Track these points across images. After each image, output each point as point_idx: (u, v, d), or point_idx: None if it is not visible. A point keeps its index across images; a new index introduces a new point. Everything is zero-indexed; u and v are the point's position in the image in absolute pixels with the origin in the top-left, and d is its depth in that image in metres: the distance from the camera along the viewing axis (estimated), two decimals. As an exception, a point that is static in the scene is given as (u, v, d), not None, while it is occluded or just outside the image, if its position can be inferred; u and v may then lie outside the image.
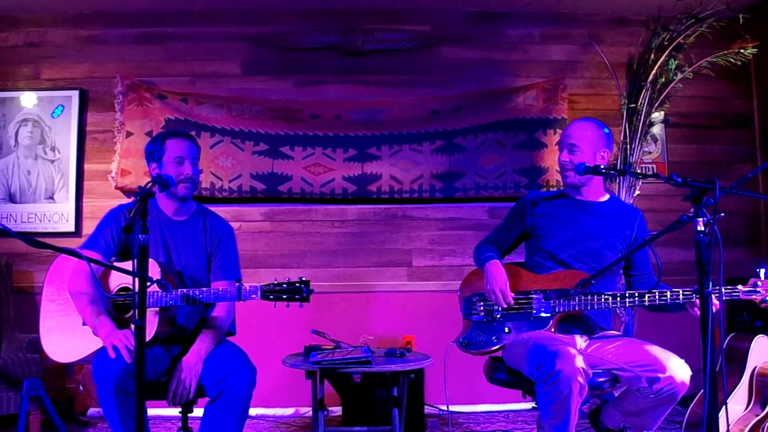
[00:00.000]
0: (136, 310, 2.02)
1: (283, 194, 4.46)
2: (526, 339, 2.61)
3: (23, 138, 4.46)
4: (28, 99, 4.47)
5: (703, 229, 1.96)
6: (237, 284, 2.59)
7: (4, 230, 1.93)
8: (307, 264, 4.48)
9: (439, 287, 4.48)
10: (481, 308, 2.81)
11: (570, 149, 2.77)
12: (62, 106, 4.47)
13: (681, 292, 2.44)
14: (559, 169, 2.88)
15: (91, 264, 2.09)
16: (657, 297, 2.48)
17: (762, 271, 2.37)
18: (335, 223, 4.55)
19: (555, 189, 4.22)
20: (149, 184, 2.30)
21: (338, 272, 4.50)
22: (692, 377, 2.41)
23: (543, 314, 2.67)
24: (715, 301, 2.35)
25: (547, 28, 4.71)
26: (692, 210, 1.99)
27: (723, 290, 2.27)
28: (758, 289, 2.37)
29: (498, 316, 2.75)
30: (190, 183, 2.73)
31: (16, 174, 4.44)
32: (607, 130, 2.83)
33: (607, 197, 2.89)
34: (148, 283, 2.08)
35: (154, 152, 2.76)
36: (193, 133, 4.35)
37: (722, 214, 1.98)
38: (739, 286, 2.34)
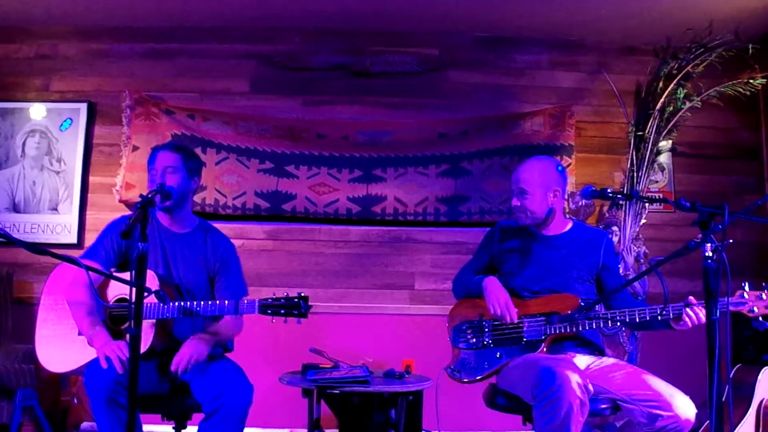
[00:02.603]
0: (132, 320, 1.99)
1: (287, 213, 4.45)
2: (520, 361, 2.56)
3: (30, 149, 4.47)
4: (37, 111, 4.49)
5: (710, 254, 1.93)
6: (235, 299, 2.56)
7: (4, 234, 1.93)
8: (308, 284, 4.43)
9: (440, 311, 4.40)
10: (470, 334, 2.76)
11: (519, 194, 2.78)
12: (70, 119, 4.48)
13: (671, 307, 2.40)
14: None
15: (90, 273, 2.07)
16: (647, 312, 2.45)
17: (746, 285, 2.34)
18: (338, 244, 4.52)
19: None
20: (151, 194, 2.29)
21: (339, 293, 4.46)
22: (697, 409, 2.35)
23: (534, 338, 2.63)
24: (701, 316, 2.34)
25: (555, 54, 4.72)
26: (700, 236, 1.97)
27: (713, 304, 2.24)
28: (745, 300, 2.33)
29: (488, 342, 2.70)
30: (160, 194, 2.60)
31: (21, 184, 4.44)
32: (560, 168, 2.83)
33: (570, 225, 2.87)
34: (146, 294, 2.05)
35: (148, 166, 2.76)
36: (198, 149, 4.38)
37: (731, 241, 1.95)
38: (728, 298, 2.30)
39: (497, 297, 2.67)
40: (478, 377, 2.69)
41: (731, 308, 2.33)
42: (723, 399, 1.93)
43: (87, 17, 4.46)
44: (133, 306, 1.99)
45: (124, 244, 2.70)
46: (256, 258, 4.45)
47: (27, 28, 4.56)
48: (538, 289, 2.73)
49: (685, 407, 2.30)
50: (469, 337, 2.76)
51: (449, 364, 2.79)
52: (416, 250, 4.54)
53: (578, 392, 2.26)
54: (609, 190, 2.49)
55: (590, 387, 2.33)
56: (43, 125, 4.49)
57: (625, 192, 4.21)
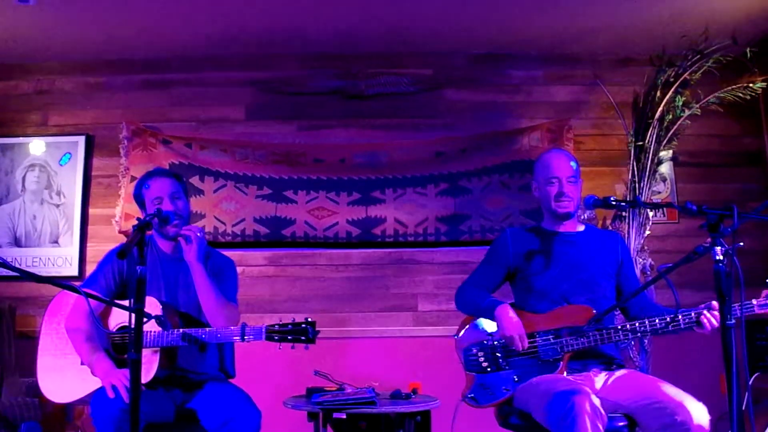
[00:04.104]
0: (132, 345, 1.97)
1: (287, 238, 4.42)
2: (536, 383, 2.48)
3: (30, 183, 4.51)
4: (36, 146, 4.54)
5: (721, 258, 1.87)
6: (241, 324, 2.51)
7: (4, 263, 1.96)
8: (310, 309, 4.39)
9: (445, 332, 4.35)
10: (482, 358, 2.69)
11: (573, 181, 2.72)
12: (69, 153, 4.53)
13: (693, 312, 2.35)
14: (550, 200, 2.74)
15: (90, 301, 2.06)
16: (668, 321, 2.39)
17: None
18: (339, 268, 4.48)
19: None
20: (149, 217, 2.28)
21: (342, 317, 4.41)
22: (713, 422, 2.24)
23: (551, 356, 2.55)
24: (713, 322, 2.27)
25: (550, 68, 4.70)
26: (709, 240, 1.91)
27: (738, 306, 2.15)
28: None
29: (503, 364, 2.63)
30: (178, 220, 2.67)
31: (22, 218, 4.47)
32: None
33: (583, 227, 2.81)
34: (146, 319, 2.03)
35: (138, 197, 2.75)
36: (196, 177, 4.40)
37: (741, 244, 1.89)
38: (753, 301, 2.22)
39: (511, 328, 2.58)
40: (497, 402, 2.62)
41: (757, 310, 2.28)
42: (743, 408, 1.85)
43: (83, 51, 4.53)
44: (132, 330, 1.97)
45: (125, 272, 2.68)
46: (258, 285, 4.42)
47: (25, 64, 4.64)
48: (566, 287, 2.65)
49: (697, 412, 2.20)
50: (481, 361, 2.69)
51: (464, 390, 2.70)
52: (418, 271, 4.49)
53: (595, 416, 2.17)
54: (612, 199, 2.43)
55: (605, 415, 2.22)
56: (42, 159, 4.54)
57: (628, 200, 4.16)
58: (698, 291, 4.15)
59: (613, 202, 2.44)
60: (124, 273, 2.68)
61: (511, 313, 2.62)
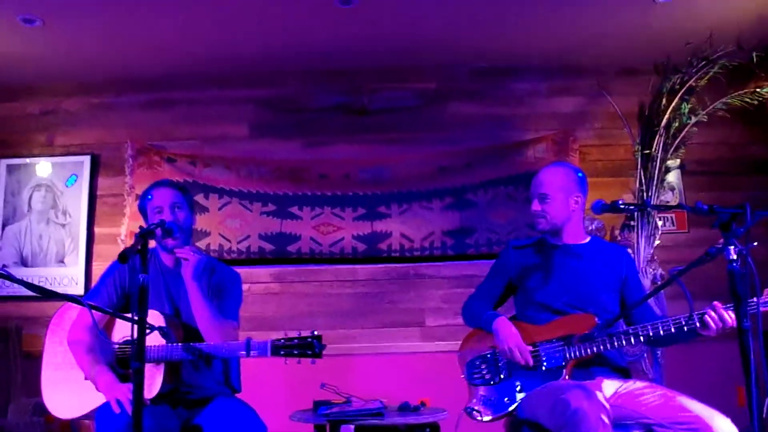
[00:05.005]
0: (134, 354, 1.94)
1: (292, 254, 4.41)
2: (540, 390, 2.42)
3: (36, 203, 4.54)
4: (42, 168, 4.57)
5: (735, 258, 1.82)
6: (246, 338, 2.46)
7: (7, 276, 1.95)
8: (316, 326, 4.27)
9: (454, 347, 4.20)
10: (485, 370, 2.63)
11: (541, 198, 2.65)
12: (75, 175, 4.55)
13: (696, 315, 2.26)
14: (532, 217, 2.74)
15: (93, 314, 2.05)
16: (671, 322, 2.31)
17: None
18: (345, 284, 4.45)
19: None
20: (152, 226, 2.26)
21: (349, 334, 4.37)
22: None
23: (555, 365, 2.50)
24: (727, 317, 2.21)
25: (553, 81, 4.70)
26: (721, 241, 1.86)
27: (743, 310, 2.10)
28: None
29: (504, 374, 2.58)
30: (179, 233, 2.64)
31: (28, 238, 4.49)
32: (580, 174, 2.71)
33: (588, 239, 2.73)
34: (148, 330, 2.00)
35: (141, 208, 2.73)
36: (201, 195, 4.40)
37: (755, 244, 1.84)
38: (755, 299, 2.16)
39: (508, 340, 2.53)
40: (500, 414, 2.54)
41: (762, 308, 2.18)
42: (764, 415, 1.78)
43: (87, 72, 4.58)
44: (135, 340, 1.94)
45: (127, 284, 2.65)
46: (263, 302, 4.40)
47: (30, 86, 4.69)
48: (567, 300, 2.59)
49: (725, 429, 2.11)
50: (483, 372, 2.63)
51: (467, 404, 2.65)
52: (425, 285, 4.45)
53: (601, 415, 2.10)
54: (620, 202, 2.35)
55: (611, 414, 2.16)
56: (48, 179, 4.57)
57: (636, 202, 4.10)
58: (708, 301, 4.12)
59: (622, 206, 2.38)
60: (126, 285, 2.65)
61: (509, 326, 2.57)
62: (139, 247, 1.99)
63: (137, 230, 4.28)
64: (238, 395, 2.77)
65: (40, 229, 4.50)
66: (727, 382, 3.64)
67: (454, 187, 4.50)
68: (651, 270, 4.11)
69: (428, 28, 4.19)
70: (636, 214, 4.12)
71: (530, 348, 2.53)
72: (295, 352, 2.37)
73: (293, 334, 2.41)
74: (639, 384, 2.48)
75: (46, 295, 2.03)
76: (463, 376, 2.74)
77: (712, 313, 2.26)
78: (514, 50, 4.47)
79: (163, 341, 2.42)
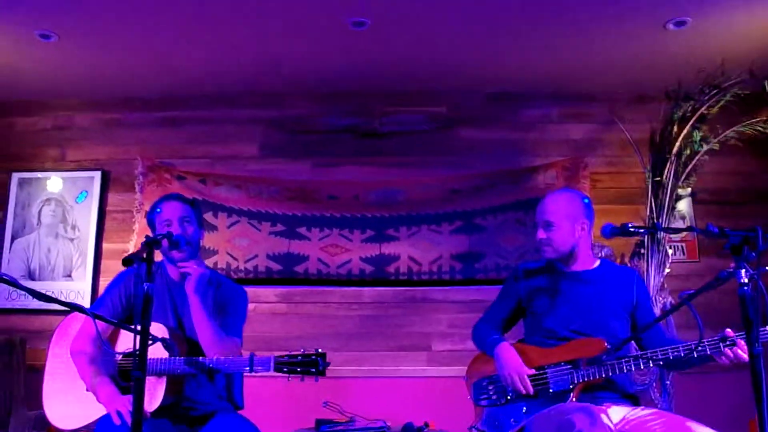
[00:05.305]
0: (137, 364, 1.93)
1: (300, 275, 4.39)
2: (546, 411, 2.37)
3: (46, 216, 4.56)
4: (54, 184, 4.59)
5: (746, 281, 1.79)
6: (249, 354, 2.43)
7: (12, 282, 1.95)
8: (322, 347, 4.22)
9: (460, 373, 4.14)
10: (492, 391, 2.60)
11: (546, 226, 2.62)
12: (86, 191, 4.57)
13: (706, 342, 2.22)
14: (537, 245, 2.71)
15: (97, 324, 2.05)
16: (681, 349, 2.27)
17: None
18: (352, 306, 4.42)
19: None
20: (159, 236, 2.24)
21: (354, 356, 4.32)
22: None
23: (561, 388, 2.46)
24: (741, 354, 2.16)
25: (565, 107, 4.70)
26: (732, 265, 1.83)
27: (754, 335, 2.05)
28: None
29: (511, 396, 2.54)
30: (187, 247, 2.62)
31: (36, 252, 4.50)
32: (586, 200, 2.67)
33: (597, 263, 2.70)
34: (151, 341, 1.98)
35: (150, 222, 2.72)
36: (210, 213, 4.40)
37: (767, 268, 1.82)
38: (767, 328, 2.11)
39: (509, 367, 2.51)
40: None
41: None
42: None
43: (101, 89, 4.62)
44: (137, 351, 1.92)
45: (132, 295, 2.64)
46: (269, 322, 4.37)
47: (44, 100, 4.73)
48: (574, 328, 2.55)
49: None
50: (491, 393, 2.60)
51: (473, 424, 2.62)
52: (432, 310, 4.41)
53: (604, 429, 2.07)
54: (630, 225, 2.31)
55: (614, 430, 2.13)
56: (58, 194, 4.59)
57: (645, 241, 4.07)
58: (714, 329, 4.07)
59: (631, 229, 2.35)
60: (131, 296, 2.64)
61: (510, 352, 2.55)
62: (145, 255, 1.98)
63: (145, 244, 4.28)
64: (240, 412, 2.74)
65: (49, 243, 4.51)
66: (739, 414, 3.56)
67: (463, 211, 4.48)
68: (661, 299, 4.07)
69: (440, 53, 4.20)
70: (646, 241, 4.10)
71: (533, 372, 2.50)
72: (298, 369, 2.34)
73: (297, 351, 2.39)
74: (647, 411, 2.43)
75: (50, 302, 2.01)
76: (469, 397, 2.71)
77: (728, 352, 2.21)
78: (525, 76, 4.47)
79: (166, 354, 2.40)
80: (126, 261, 1.93)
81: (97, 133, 4.71)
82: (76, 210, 4.55)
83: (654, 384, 3.88)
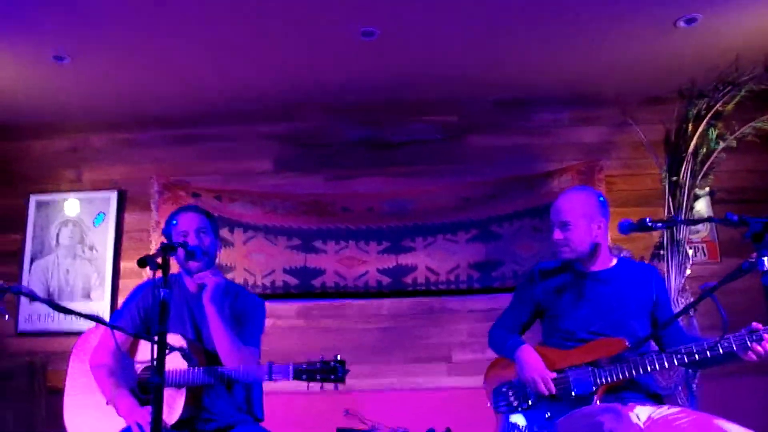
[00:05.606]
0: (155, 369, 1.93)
1: (317, 289, 4.38)
2: (572, 414, 2.32)
3: (64, 238, 4.61)
4: (71, 207, 4.64)
5: None
6: (267, 363, 2.44)
7: (28, 294, 2.02)
8: None
9: (481, 383, 4.16)
10: (512, 397, 2.55)
11: (562, 227, 2.57)
12: (103, 213, 4.61)
13: (732, 337, 2.16)
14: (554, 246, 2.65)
15: (116, 336, 2.10)
16: (706, 347, 2.21)
17: None
18: (370, 319, 4.40)
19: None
20: (176, 243, 2.25)
21: (374, 369, 4.29)
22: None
23: (584, 392, 2.41)
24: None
25: (577, 111, 4.68)
26: (754, 255, 1.80)
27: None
28: None
29: (533, 401, 2.49)
30: (204, 257, 2.63)
31: (55, 273, 4.55)
32: (601, 198, 2.63)
33: (615, 261, 2.64)
34: (168, 351, 1.99)
35: (167, 234, 2.72)
36: (226, 229, 4.42)
37: None
38: None
39: (532, 369, 2.46)
40: None
41: None
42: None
43: (114, 109, 4.67)
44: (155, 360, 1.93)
45: (150, 308, 2.64)
46: (288, 337, 4.35)
47: (59, 123, 4.79)
48: (594, 329, 2.50)
49: None
50: (511, 399, 2.55)
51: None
52: (451, 320, 4.38)
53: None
54: (648, 220, 2.24)
55: (643, 428, 2.10)
56: (76, 216, 4.63)
57: (664, 243, 4.02)
58: (733, 330, 3.99)
59: (650, 224, 2.31)
60: (149, 309, 2.64)
61: (532, 354, 2.50)
62: (160, 260, 1.98)
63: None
64: (260, 424, 2.72)
65: (67, 264, 4.55)
66: (767, 417, 3.48)
67: (479, 219, 4.46)
68: (683, 300, 4.00)
69: (449, 61, 4.21)
70: (665, 241, 4.04)
71: (554, 375, 2.45)
72: (318, 377, 2.34)
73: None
74: (673, 409, 2.37)
75: (69, 314, 2.03)
76: (489, 404, 2.66)
77: (756, 347, 2.16)
78: (536, 81, 4.47)
79: (185, 366, 2.40)
80: (141, 261, 1.94)
81: (112, 153, 4.77)
82: (93, 230, 4.59)
83: (680, 387, 3.81)
